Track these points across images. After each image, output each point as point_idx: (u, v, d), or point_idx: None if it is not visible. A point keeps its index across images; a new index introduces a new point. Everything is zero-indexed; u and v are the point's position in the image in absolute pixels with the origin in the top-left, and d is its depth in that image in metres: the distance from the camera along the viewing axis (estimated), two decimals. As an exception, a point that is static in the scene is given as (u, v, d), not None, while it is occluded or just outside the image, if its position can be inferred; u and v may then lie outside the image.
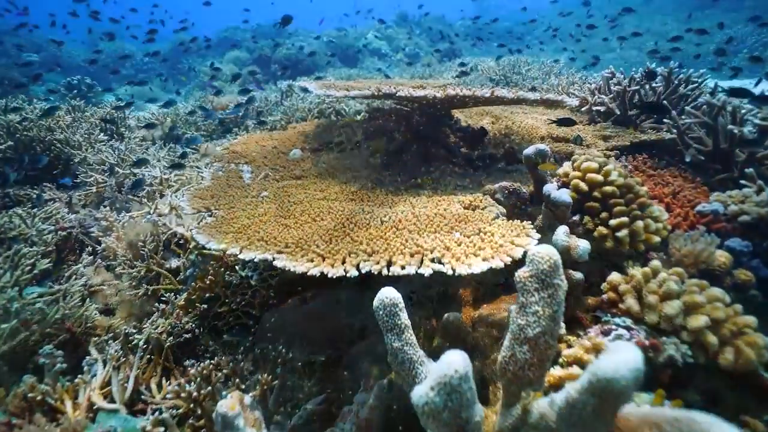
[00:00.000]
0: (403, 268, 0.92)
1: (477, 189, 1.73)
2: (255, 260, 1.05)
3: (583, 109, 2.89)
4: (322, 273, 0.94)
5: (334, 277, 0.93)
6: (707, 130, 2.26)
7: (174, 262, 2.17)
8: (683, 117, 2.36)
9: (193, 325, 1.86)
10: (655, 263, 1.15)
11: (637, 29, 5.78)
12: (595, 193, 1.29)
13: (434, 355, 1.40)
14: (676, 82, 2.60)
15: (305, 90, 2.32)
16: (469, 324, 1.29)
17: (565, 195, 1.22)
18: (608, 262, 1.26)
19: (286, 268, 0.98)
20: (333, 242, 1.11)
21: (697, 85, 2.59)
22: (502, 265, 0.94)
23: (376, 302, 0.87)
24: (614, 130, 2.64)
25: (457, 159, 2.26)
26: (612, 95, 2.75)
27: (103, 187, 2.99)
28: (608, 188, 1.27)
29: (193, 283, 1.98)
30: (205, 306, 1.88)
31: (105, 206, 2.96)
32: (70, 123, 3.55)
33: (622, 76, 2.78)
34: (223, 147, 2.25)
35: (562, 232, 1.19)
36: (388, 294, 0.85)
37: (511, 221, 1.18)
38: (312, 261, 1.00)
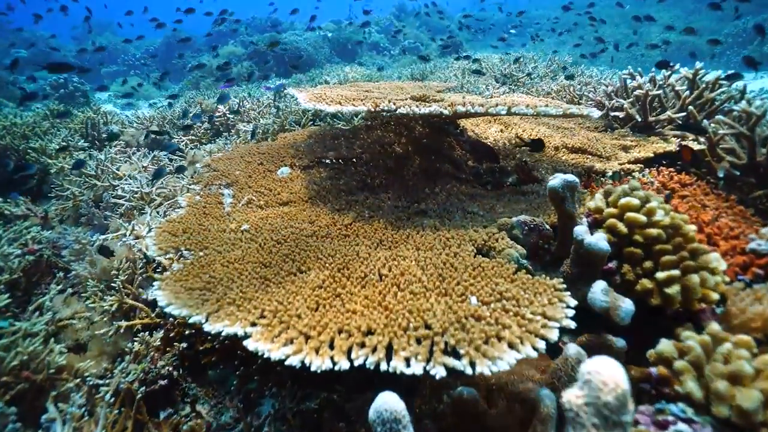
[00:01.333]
0: (407, 363, 0.70)
1: (489, 217, 1.51)
2: (222, 334, 0.84)
3: (600, 114, 2.64)
4: (303, 363, 0.73)
5: (319, 371, 0.72)
6: (737, 140, 2.05)
7: (152, 293, 1.96)
8: (712, 125, 2.13)
9: (171, 368, 1.66)
10: (714, 328, 0.94)
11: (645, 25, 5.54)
12: (637, 236, 1.07)
13: (441, 420, 1.20)
14: (702, 85, 2.37)
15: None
16: (483, 392, 1.08)
17: (601, 242, 1.01)
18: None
19: (259, 352, 0.77)
20: (320, 309, 0.89)
21: (725, 88, 2.37)
22: (534, 354, 0.73)
23: (372, 414, 0.66)
24: (634, 138, 2.42)
25: (464, 174, 2.04)
26: (631, 99, 2.52)
27: (79, 200, 2.77)
28: (653, 231, 1.05)
29: (171, 318, 1.78)
30: (185, 345, 1.68)
31: (81, 223, 2.74)
32: (47, 129, 3.33)
33: (642, 77, 2.55)
34: (204, 163, 2.03)
35: (600, 291, 0.98)
36: (388, 405, 0.64)
37: (536, 278, 0.97)
38: (291, 342, 0.79)
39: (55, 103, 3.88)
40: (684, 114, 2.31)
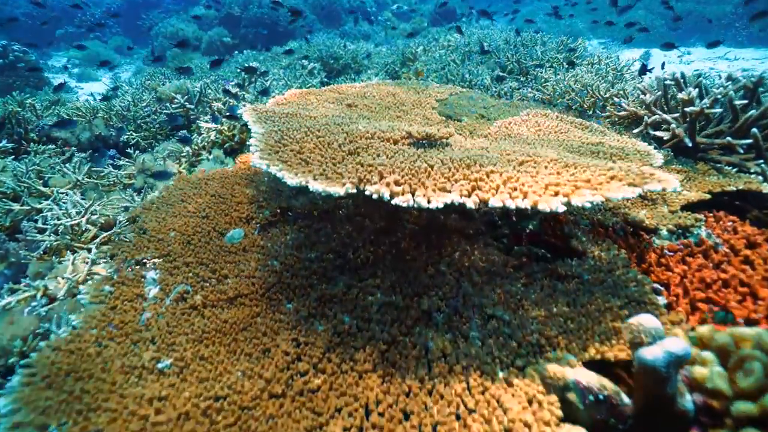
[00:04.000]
0: None
1: (518, 332, 1.07)
2: None
3: (636, 131, 2.15)
4: None
5: None
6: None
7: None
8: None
9: None
10: None
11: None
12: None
13: None
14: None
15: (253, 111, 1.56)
16: None
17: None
18: None
19: None
20: None
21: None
22: None
23: None
24: (681, 167, 1.96)
25: (474, 225, 1.57)
26: (676, 115, 2.03)
27: (-8, 230, 2.23)
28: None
29: None
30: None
31: (-5, 261, 2.21)
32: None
33: (691, 88, 2.05)
34: (131, 214, 1.52)
35: None
36: None
37: None
38: None
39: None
40: (748, 141, 1.85)
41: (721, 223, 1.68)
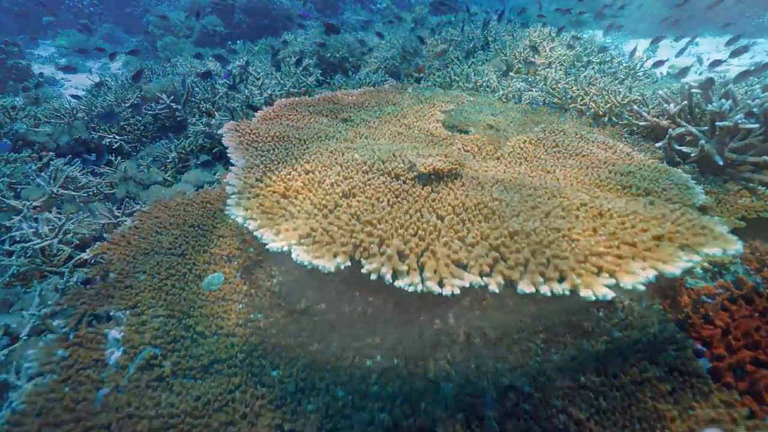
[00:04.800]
0: None
1: (539, 399, 0.90)
2: None
3: (658, 144, 1.96)
4: None
5: None
6: None
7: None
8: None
9: None
10: None
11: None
12: None
13: None
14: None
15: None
16: None
17: None
18: None
19: None
20: None
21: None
22: None
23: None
24: (708, 186, 1.78)
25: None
26: (705, 129, 1.84)
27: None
28: None
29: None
30: None
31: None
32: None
33: (724, 100, 1.85)
34: (97, 249, 1.34)
35: None
36: None
37: None
38: None
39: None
40: (787, 162, 1.67)
41: (757, 254, 1.52)
